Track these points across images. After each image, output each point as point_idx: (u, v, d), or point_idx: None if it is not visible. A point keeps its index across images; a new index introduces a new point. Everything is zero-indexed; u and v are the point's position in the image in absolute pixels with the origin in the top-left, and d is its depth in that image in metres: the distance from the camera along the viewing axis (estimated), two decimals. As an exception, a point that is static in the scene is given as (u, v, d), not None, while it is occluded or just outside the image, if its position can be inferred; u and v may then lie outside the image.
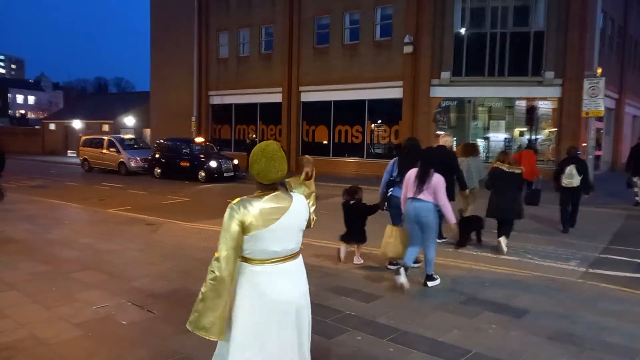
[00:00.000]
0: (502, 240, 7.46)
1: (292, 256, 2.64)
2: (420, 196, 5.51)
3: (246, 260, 2.54)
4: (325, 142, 22.69)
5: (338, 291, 5.49)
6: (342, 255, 6.52)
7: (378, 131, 21.45)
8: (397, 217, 6.46)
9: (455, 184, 7.54)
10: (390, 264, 6.26)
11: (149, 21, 30.92)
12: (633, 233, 9.61)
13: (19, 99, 79.02)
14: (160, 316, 4.69)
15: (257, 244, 2.50)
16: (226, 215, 2.52)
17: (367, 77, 20.69)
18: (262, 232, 2.47)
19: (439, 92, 19.54)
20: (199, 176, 18.71)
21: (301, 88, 23.08)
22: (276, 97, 23.76)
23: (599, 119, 18.08)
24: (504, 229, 7.57)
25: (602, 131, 21.79)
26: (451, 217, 5.65)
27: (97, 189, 16.56)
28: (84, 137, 25.22)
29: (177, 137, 22.06)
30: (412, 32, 19.30)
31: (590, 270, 6.76)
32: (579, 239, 8.72)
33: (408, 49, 19.28)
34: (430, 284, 5.66)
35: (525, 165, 9.70)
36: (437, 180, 5.50)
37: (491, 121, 19.93)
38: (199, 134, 24.71)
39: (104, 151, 22.68)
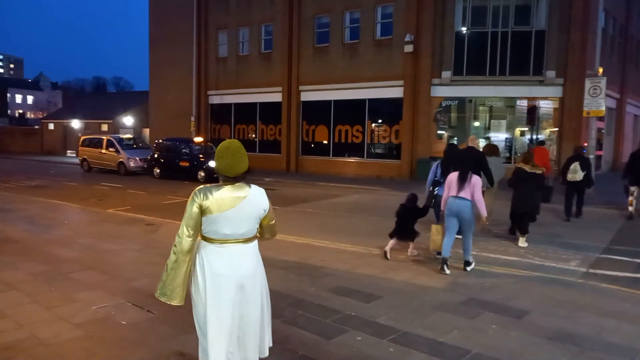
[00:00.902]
0: (522, 238, 8.27)
1: (244, 240, 2.99)
2: (461, 194, 6.31)
3: (204, 238, 2.98)
4: (325, 141, 22.68)
5: (338, 291, 5.49)
6: (389, 252, 7.10)
7: (378, 131, 21.44)
8: (440, 212, 7.26)
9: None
10: (438, 254, 6.92)
11: (147, 20, 30.91)
12: (633, 233, 9.60)
13: (18, 98, 79.02)
14: (160, 316, 4.69)
15: (211, 225, 2.91)
16: (190, 199, 2.93)
17: (367, 77, 20.68)
18: (216, 216, 2.87)
19: (440, 91, 19.53)
20: (199, 176, 18.71)
21: (301, 87, 23.07)
22: (276, 97, 23.74)
23: (600, 118, 18.08)
24: (524, 223, 8.28)
25: (603, 131, 21.79)
26: (484, 211, 6.40)
27: (97, 189, 16.55)
28: (83, 137, 25.21)
29: (176, 137, 22.05)
30: (412, 31, 19.28)
31: (591, 270, 6.75)
32: (579, 239, 8.72)
33: (409, 48, 19.27)
34: (468, 268, 6.45)
35: (539, 162, 10.20)
36: (476, 181, 6.37)
37: (492, 121, 19.93)
38: (198, 134, 24.71)
39: (103, 151, 22.67)
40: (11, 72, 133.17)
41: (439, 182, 7.41)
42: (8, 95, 76.60)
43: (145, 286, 5.59)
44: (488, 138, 19.77)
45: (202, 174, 18.63)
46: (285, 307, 4.94)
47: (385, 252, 7.06)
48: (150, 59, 30.43)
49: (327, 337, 4.18)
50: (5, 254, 7.04)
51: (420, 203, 7.43)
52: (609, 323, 4.64)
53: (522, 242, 8.13)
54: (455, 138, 19.99)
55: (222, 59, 26.29)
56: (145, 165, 21.03)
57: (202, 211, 2.88)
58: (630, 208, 10.89)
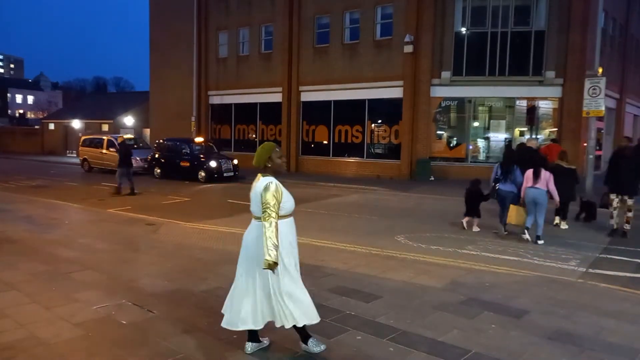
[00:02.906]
0: (563, 222, 9.90)
1: (255, 217, 3.78)
2: (537, 185, 8.38)
3: None
4: (325, 142, 22.69)
5: (338, 291, 5.49)
6: (466, 225, 9.46)
7: (378, 131, 21.44)
8: (502, 203, 9.00)
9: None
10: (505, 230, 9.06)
11: (148, 21, 30.91)
12: (633, 233, 9.60)
13: (18, 98, 79.01)
14: (160, 316, 4.69)
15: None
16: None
17: (367, 77, 20.69)
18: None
19: (439, 91, 19.54)
20: (199, 176, 18.71)
21: (301, 88, 23.08)
22: (276, 97, 23.75)
23: (600, 118, 18.07)
24: (564, 211, 9.84)
25: (602, 131, 21.79)
26: (556, 197, 8.59)
27: (97, 189, 16.56)
28: (83, 137, 25.22)
29: (176, 137, 22.06)
30: (412, 32, 19.29)
31: (590, 270, 6.76)
32: (579, 239, 8.72)
33: (408, 49, 19.28)
34: (539, 242, 8.25)
35: (554, 158, 11.02)
36: (548, 176, 8.41)
37: (491, 121, 19.93)
38: (198, 134, 24.71)
39: (104, 151, 22.68)
40: (11, 72, 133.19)
41: (498, 180, 9.06)
42: (8, 95, 76.60)
43: (145, 286, 5.60)
44: (487, 138, 19.81)
45: (203, 174, 18.63)
46: (285, 307, 4.94)
47: (462, 224, 9.48)
48: (151, 59, 30.44)
49: (327, 337, 4.18)
50: (5, 254, 7.04)
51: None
52: (609, 323, 4.64)
53: (563, 225, 9.82)
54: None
55: (223, 60, 26.30)
56: (146, 165, 21.04)
57: None
58: (612, 221, 9.21)
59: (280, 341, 4.11)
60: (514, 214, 8.79)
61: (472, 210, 9.35)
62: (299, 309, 3.69)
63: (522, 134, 19.42)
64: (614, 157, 9.40)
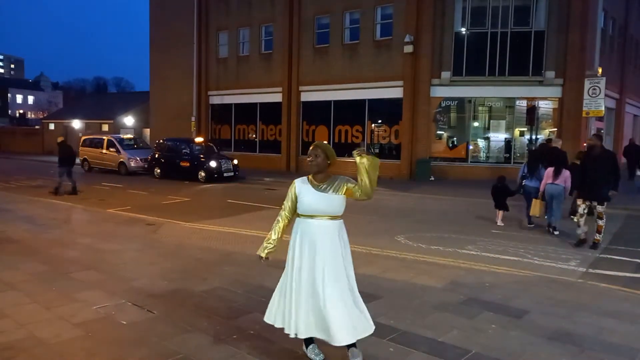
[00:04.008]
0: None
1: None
2: (556, 182, 9.03)
3: None
4: (325, 142, 22.64)
5: (338, 291, 5.48)
6: (498, 219, 10.18)
7: (378, 131, 21.45)
8: (528, 197, 9.78)
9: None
10: (530, 223, 9.97)
11: (148, 21, 30.92)
12: (633, 233, 9.60)
13: (19, 98, 79.01)
14: (160, 316, 4.69)
15: None
16: None
17: (367, 77, 20.69)
18: None
19: (439, 91, 19.54)
20: (199, 176, 18.71)
21: (301, 88, 23.08)
22: (276, 97, 23.76)
23: (600, 118, 18.09)
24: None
25: (602, 131, 21.77)
26: (568, 190, 9.15)
27: (97, 189, 16.56)
28: (83, 137, 25.24)
29: (177, 137, 22.07)
30: (412, 32, 19.29)
31: (590, 270, 6.76)
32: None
33: (408, 49, 19.28)
34: (555, 232, 9.03)
35: None
36: (567, 174, 9.13)
37: (491, 121, 19.93)
38: (198, 134, 24.72)
39: (104, 151, 22.69)
40: (12, 72, 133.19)
41: (525, 177, 9.91)
42: (9, 95, 76.60)
43: (146, 286, 5.59)
44: (487, 138, 19.81)
45: (203, 174, 18.63)
46: (285, 307, 4.94)
47: (495, 218, 10.26)
48: (151, 59, 30.45)
49: (327, 337, 4.17)
50: (5, 253, 7.04)
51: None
52: (609, 323, 4.64)
53: (575, 219, 10.01)
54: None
55: (223, 60, 26.30)
56: (146, 166, 21.05)
57: None
58: (579, 230, 8.24)
59: (280, 341, 4.11)
60: (536, 207, 9.54)
61: (500, 204, 10.16)
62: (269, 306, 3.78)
63: (522, 134, 19.43)
64: (582, 158, 8.60)
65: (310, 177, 3.70)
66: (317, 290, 3.48)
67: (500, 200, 10.10)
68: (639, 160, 18.82)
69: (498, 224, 10.08)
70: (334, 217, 3.60)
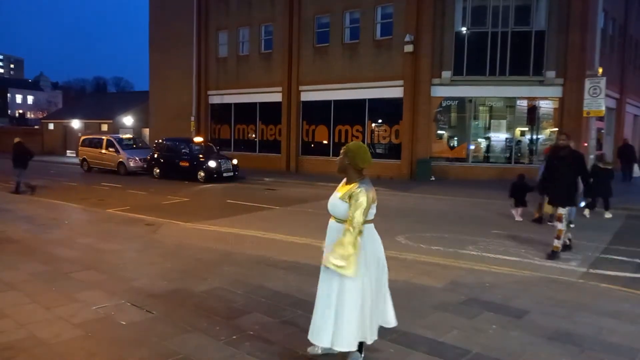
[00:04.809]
0: (607, 213, 11.22)
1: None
2: None
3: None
4: (325, 141, 22.68)
5: (338, 291, 5.48)
6: (517, 215, 10.67)
7: (378, 131, 21.44)
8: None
9: None
10: (539, 220, 10.25)
11: (148, 20, 30.91)
12: (633, 233, 9.61)
13: (18, 98, 79.04)
14: (160, 316, 4.69)
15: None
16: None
17: (367, 77, 20.68)
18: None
19: (440, 91, 19.53)
20: (199, 176, 18.70)
21: (301, 87, 23.07)
22: (276, 97, 23.75)
23: (600, 118, 18.08)
24: (605, 204, 11.27)
25: (603, 131, 21.81)
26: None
27: (97, 189, 16.56)
28: (83, 137, 25.22)
29: (176, 137, 22.06)
30: (412, 31, 19.29)
31: (591, 270, 6.76)
32: (579, 239, 8.71)
33: (408, 48, 19.27)
34: (571, 225, 8.11)
35: None
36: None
37: (492, 121, 19.94)
38: (198, 134, 24.71)
39: (103, 151, 22.68)
40: (11, 72, 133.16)
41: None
42: (8, 95, 76.63)
43: (145, 286, 5.59)
44: (488, 138, 19.81)
45: (202, 174, 18.63)
46: (285, 307, 4.94)
47: (513, 214, 10.69)
48: (151, 59, 30.45)
49: (327, 337, 4.17)
50: (5, 254, 7.04)
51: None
52: (609, 323, 4.64)
53: (607, 214, 11.10)
54: (456, 138, 20.00)
55: (222, 59, 26.30)
56: (145, 166, 21.04)
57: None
58: (559, 242, 7.37)
59: (281, 342, 4.11)
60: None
61: (519, 201, 10.68)
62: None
63: (522, 133, 19.45)
64: (548, 159, 7.92)
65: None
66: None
67: (520, 197, 10.58)
68: (632, 160, 18.85)
69: (517, 219, 10.56)
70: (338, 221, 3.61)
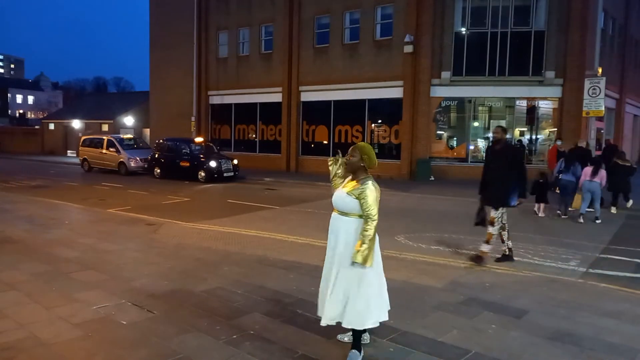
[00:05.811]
0: (613, 207, 11.95)
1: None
2: (594, 179, 10.49)
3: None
4: (325, 142, 22.69)
5: (338, 291, 5.48)
6: (542, 210, 11.35)
7: (378, 131, 21.44)
8: (564, 191, 11.13)
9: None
10: (565, 214, 11.23)
11: (148, 20, 30.92)
12: (633, 233, 9.61)
13: (19, 98, 79.03)
14: (160, 316, 4.69)
15: None
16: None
17: (367, 77, 20.68)
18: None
19: (439, 91, 19.54)
20: (199, 176, 18.71)
21: (301, 88, 23.08)
22: (276, 97, 23.75)
23: (600, 118, 18.09)
24: (615, 199, 12.07)
25: (602, 131, 21.79)
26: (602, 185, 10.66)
27: (97, 189, 16.56)
28: (83, 137, 25.21)
29: (176, 137, 22.06)
30: (412, 32, 19.29)
31: (591, 270, 6.76)
32: (579, 239, 8.72)
33: (408, 49, 19.28)
34: (597, 221, 10.31)
35: (553, 159, 13.71)
36: (604, 173, 10.68)
37: (491, 121, 19.91)
38: (198, 134, 24.71)
39: (104, 151, 22.68)
40: (12, 72, 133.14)
41: (561, 171, 11.21)
42: (9, 95, 76.62)
43: (146, 286, 5.59)
44: (487, 138, 19.81)
45: (203, 174, 18.63)
46: (285, 307, 4.94)
47: (535, 211, 11.38)
48: (151, 59, 30.44)
49: (327, 337, 4.18)
50: (5, 254, 7.04)
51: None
52: (609, 323, 4.64)
53: (613, 210, 11.83)
54: (456, 138, 20.07)
55: (223, 60, 26.30)
56: (146, 165, 21.04)
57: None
58: (503, 246, 6.95)
59: (281, 341, 4.11)
60: (578, 201, 11.04)
61: (541, 198, 11.24)
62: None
63: (522, 133, 19.45)
64: (485, 155, 7.32)
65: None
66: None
67: (542, 194, 11.21)
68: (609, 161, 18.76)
69: (540, 215, 11.24)
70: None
